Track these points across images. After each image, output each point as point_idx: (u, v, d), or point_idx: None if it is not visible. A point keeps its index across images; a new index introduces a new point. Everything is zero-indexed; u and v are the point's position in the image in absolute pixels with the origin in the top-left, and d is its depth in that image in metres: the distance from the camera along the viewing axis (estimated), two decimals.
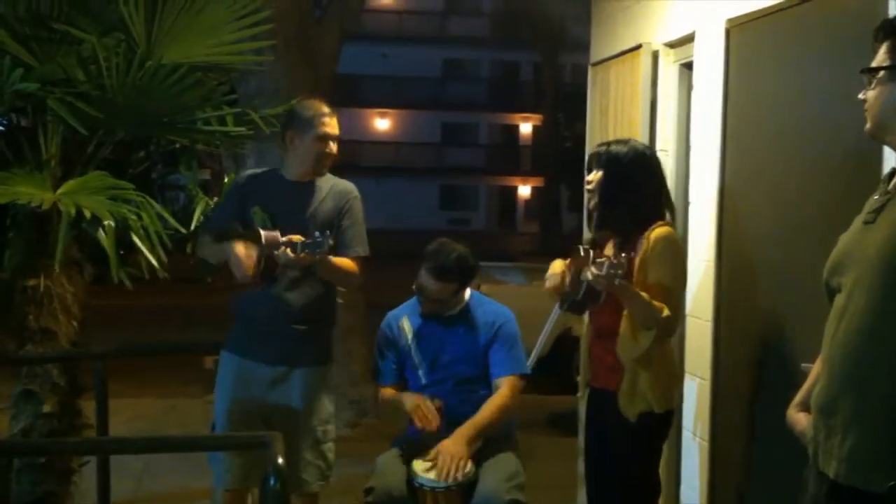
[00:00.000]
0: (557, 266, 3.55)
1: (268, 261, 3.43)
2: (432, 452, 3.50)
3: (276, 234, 3.43)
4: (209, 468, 3.69)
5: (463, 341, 3.73)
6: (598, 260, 3.14)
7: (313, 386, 3.64)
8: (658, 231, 3.31)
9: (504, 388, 3.67)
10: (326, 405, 3.69)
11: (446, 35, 33.72)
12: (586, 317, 3.62)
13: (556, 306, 3.65)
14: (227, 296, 3.69)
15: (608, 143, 3.50)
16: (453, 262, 3.67)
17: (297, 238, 3.35)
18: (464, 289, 3.77)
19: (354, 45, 18.55)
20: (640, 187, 3.37)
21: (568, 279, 3.48)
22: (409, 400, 3.66)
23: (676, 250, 3.38)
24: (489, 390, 3.70)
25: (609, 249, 3.41)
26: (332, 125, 3.63)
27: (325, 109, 3.64)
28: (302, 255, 3.32)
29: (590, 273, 3.15)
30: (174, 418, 7.32)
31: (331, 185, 3.67)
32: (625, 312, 3.29)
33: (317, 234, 3.34)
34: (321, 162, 3.63)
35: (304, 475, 3.60)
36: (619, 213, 3.35)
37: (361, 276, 3.68)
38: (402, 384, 3.80)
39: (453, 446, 3.49)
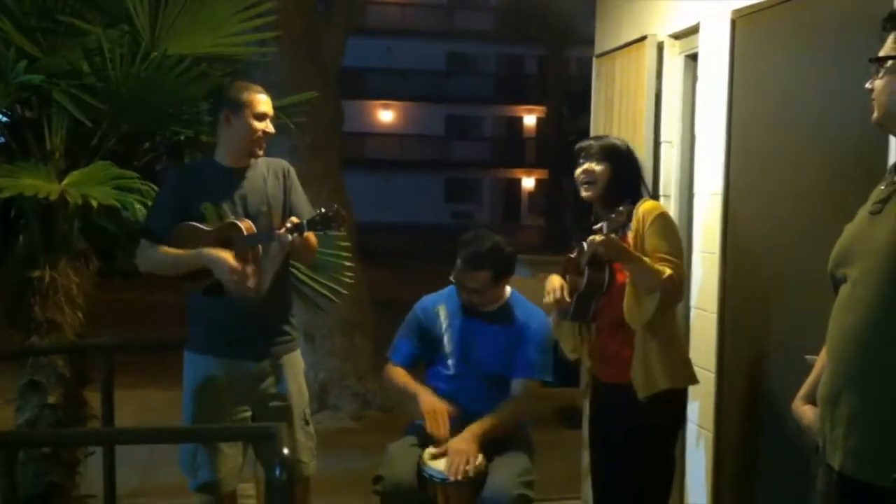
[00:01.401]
0: (555, 281, 3.52)
1: (243, 255, 3.29)
2: (443, 447, 3.50)
3: (250, 223, 3.34)
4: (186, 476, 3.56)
5: (496, 339, 3.71)
6: (596, 227, 3.16)
7: (296, 369, 3.60)
8: (646, 206, 3.34)
9: (520, 391, 3.66)
10: (304, 386, 3.66)
11: (451, 28, 33.68)
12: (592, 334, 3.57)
13: (554, 314, 3.58)
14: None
15: (598, 138, 3.53)
16: (487, 251, 3.65)
17: (296, 220, 3.28)
18: (501, 279, 3.71)
19: (359, 39, 18.54)
20: (639, 173, 3.46)
21: (567, 289, 3.44)
22: (426, 401, 3.61)
23: (667, 218, 3.39)
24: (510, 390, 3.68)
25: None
26: (266, 104, 3.46)
27: (260, 89, 3.49)
28: (307, 234, 3.25)
29: (594, 237, 3.14)
30: (179, 410, 7.32)
31: (268, 165, 3.54)
32: (627, 280, 3.29)
33: (322, 209, 3.27)
34: (259, 142, 3.45)
35: (301, 458, 3.57)
36: (619, 202, 3.35)
37: None
38: (413, 369, 3.78)
39: (463, 443, 3.49)
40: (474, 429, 3.54)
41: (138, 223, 3.76)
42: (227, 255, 3.28)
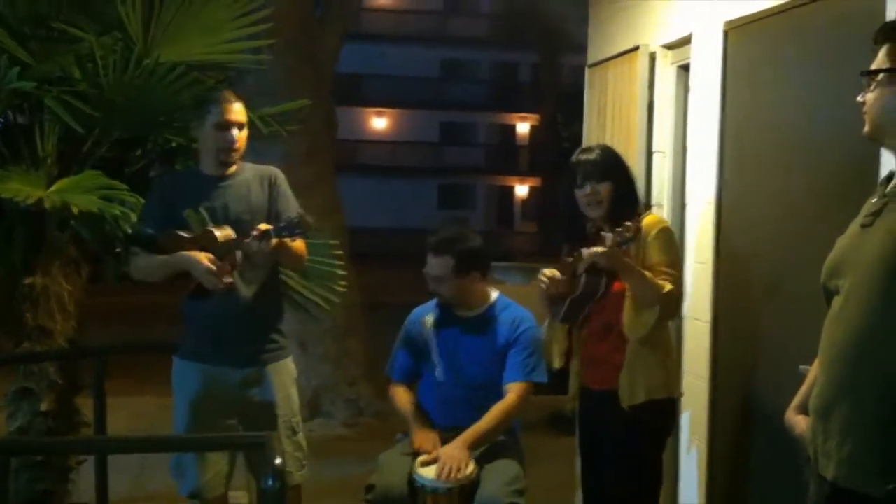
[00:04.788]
0: (549, 271, 3.53)
1: (225, 261, 3.29)
2: (434, 454, 3.50)
3: (229, 230, 3.33)
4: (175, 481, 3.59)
5: (481, 345, 3.70)
6: (604, 233, 3.16)
7: (283, 378, 3.58)
8: (648, 219, 3.35)
9: (512, 394, 3.64)
10: (295, 396, 3.65)
11: (445, 35, 33.69)
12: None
13: (547, 311, 3.59)
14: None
15: (588, 150, 3.51)
16: (450, 238, 3.66)
17: (264, 227, 3.25)
18: (467, 272, 3.68)
19: (353, 44, 18.54)
20: (633, 181, 3.46)
21: (563, 283, 3.45)
22: (419, 438, 3.61)
23: (669, 232, 3.42)
24: (500, 396, 3.66)
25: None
26: (232, 111, 3.41)
27: (228, 96, 3.45)
28: (275, 240, 3.21)
29: (597, 248, 3.15)
30: (171, 417, 7.30)
31: (255, 172, 3.53)
32: (627, 293, 3.30)
33: (288, 215, 3.26)
34: (225, 152, 3.41)
35: (287, 468, 3.58)
36: (625, 216, 3.36)
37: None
38: (413, 383, 3.80)
39: (455, 450, 3.48)
40: (465, 437, 3.54)
41: (121, 232, 3.76)
42: (201, 255, 3.28)
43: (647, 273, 3.24)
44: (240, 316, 3.45)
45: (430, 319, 3.78)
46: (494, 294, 3.80)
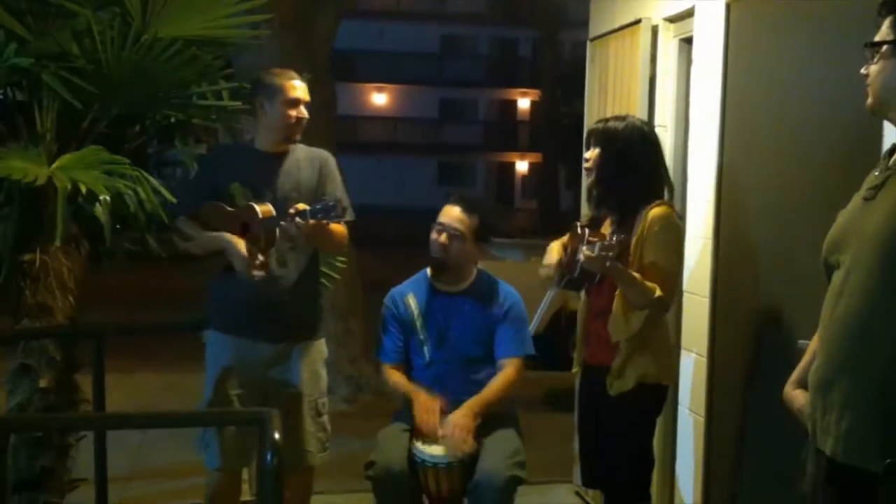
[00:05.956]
0: (555, 249, 3.54)
1: (267, 238, 3.36)
2: (431, 423, 3.52)
3: (269, 206, 3.38)
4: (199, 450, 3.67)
5: (470, 319, 3.72)
6: (591, 239, 3.16)
7: (312, 358, 3.64)
8: (656, 210, 3.30)
9: (510, 369, 3.69)
10: (323, 376, 3.71)
11: (444, 11, 33.54)
12: (583, 294, 3.62)
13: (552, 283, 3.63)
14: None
15: (606, 120, 3.50)
16: (478, 200, 3.80)
17: (301, 207, 3.30)
18: (474, 239, 3.70)
19: (352, 21, 18.46)
20: (637, 165, 3.37)
21: (565, 257, 3.47)
22: (419, 405, 3.60)
23: (673, 231, 3.37)
24: (493, 369, 3.70)
25: (606, 227, 3.41)
26: (301, 89, 3.56)
27: (294, 74, 3.59)
28: (311, 221, 3.26)
29: (581, 254, 3.16)
30: (171, 394, 7.33)
31: (306, 153, 3.62)
32: (617, 292, 3.30)
33: (326, 200, 3.30)
34: (293, 127, 3.54)
35: (307, 447, 3.62)
36: (618, 191, 3.35)
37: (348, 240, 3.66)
38: (406, 362, 3.79)
39: (462, 418, 3.52)
40: (471, 404, 3.57)
41: (125, 208, 3.77)
42: (239, 242, 3.37)
43: (638, 277, 3.22)
44: (272, 293, 3.50)
45: (412, 297, 3.77)
46: (477, 267, 3.82)
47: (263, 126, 3.58)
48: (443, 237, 3.68)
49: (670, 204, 3.42)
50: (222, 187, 3.50)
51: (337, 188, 3.61)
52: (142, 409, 6.15)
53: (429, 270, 3.79)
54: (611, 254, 3.09)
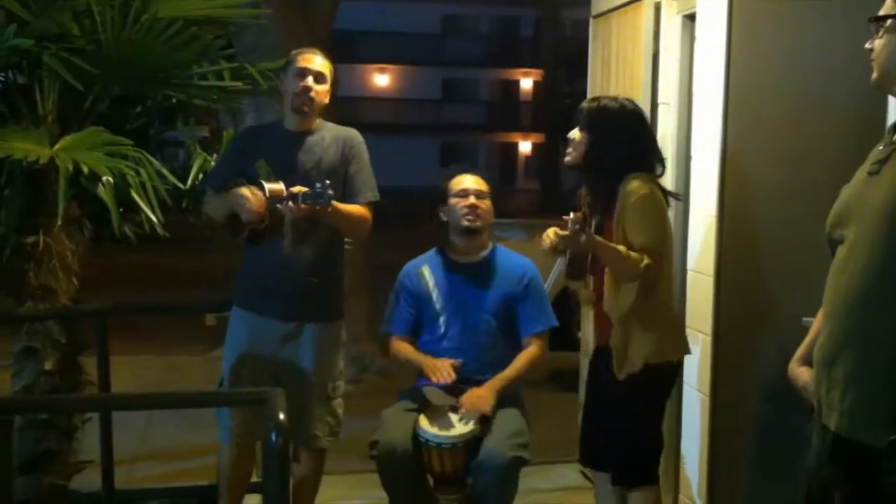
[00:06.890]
0: (551, 231, 3.53)
1: (274, 215, 3.39)
2: (451, 402, 3.55)
3: (280, 185, 3.40)
4: (214, 424, 3.70)
5: (487, 290, 3.75)
6: (564, 218, 3.16)
7: (324, 342, 3.62)
8: (630, 185, 3.28)
9: (535, 346, 3.74)
10: (337, 361, 3.68)
11: None
12: (591, 282, 3.61)
13: (557, 262, 3.65)
14: (225, 256, 3.67)
15: (597, 99, 3.50)
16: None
17: (298, 189, 3.31)
18: (490, 199, 3.79)
19: (352, 1, 18.37)
20: (623, 145, 3.35)
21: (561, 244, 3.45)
22: (430, 362, 3.65)
23: (649, 200, 3.29)
24: (508, 341, 3.73)
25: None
26: (310, 59, 3.58)
27: (313, 51, 3.64)
28: (303, 206, 3.29)
29: (561, 232, 3.18)
30: (175, 375, 7.35)
31: (333, 134, 3.63)
32: (607, 269, 3.29)
33: (317, 184, 3.30)
34: (299, 97, 3.54)
35: (315, 430, 3.62)
36: (600, 170, 3.34)
37: (372, 221, 3.66)
38: (414, 336, 3.80)
39: (482, 390, 3.57)
40: (493, 383, 3.61)
41: (128, 189, 3.78)
42: (243, 189, 3.42)
43: (623, 249, 3.21)
44: (285, 269, 3.53)
45: (426, 270, 3.79)
46: (490, 242, 3.86)
47: (285, 103, 3.63)
48: (471, 199, 3.73)
49: (650, 177, 3.37)
50: (249, 166, 3.55)
51: (361, 169, 3.62)
52: (146, 391, 6.17)
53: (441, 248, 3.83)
54: (576, 226, 3.08)
